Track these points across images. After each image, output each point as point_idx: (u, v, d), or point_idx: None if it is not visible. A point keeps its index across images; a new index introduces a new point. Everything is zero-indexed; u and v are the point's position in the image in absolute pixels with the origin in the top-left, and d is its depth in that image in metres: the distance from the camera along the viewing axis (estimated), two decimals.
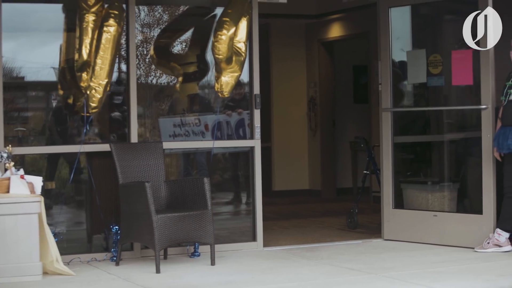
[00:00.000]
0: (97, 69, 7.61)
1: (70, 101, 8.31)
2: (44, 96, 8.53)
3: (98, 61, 7.60)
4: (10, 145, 7.40)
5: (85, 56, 7.63)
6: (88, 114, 7.85)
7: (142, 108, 8.40)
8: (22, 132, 8.19)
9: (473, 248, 8.16)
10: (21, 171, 7.31)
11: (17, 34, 8.19)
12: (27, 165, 7.86)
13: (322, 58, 13.72)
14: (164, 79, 8.72)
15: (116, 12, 7.71)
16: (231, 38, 7.98)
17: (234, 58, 8.03)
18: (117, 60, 7.92)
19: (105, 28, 7.62)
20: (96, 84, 7.62)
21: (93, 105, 7.69)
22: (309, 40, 13.92)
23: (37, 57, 8.17)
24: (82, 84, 7.67)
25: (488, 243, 8.03)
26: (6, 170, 7.30)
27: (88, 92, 7.63)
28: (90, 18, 7.67)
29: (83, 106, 7.78)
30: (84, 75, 7.64)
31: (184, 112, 8.82)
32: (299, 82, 13.97)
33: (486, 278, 6.80)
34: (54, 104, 8.45)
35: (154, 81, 8.67)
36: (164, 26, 8.73)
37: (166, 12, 8.68)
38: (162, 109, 8.78)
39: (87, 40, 7.65)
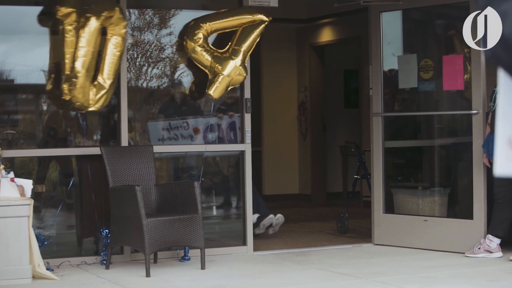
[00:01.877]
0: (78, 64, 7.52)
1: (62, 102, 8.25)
2: (34, 99, 8.48)
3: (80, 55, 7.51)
4: (0, 148, 7.37)
5: (66, 69, 7.52)
6: (81, 112, 7.82)
7: (132, 112, 8.37)
8: (12, 134, 8.15)
9: (464, 253, 8.16)
10: (11, 174, 7.28)
11: (7, 37, 8.15)
12: (17, 168, 7.83)
13: (312, 62, 13.72)
14: (154, 83, 8.69)
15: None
16: (204, 40, 8.00)
17: (211, 61, 8.02)
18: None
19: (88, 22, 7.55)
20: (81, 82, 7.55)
21: (78, 103, 7.58)
22: (300, 44, 13.92)
23: (28, 59, 8.13)
24: (64, 98, 7.56)
25: (479, 248, 8.03)
26: None
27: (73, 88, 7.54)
28: (67, 29, 7.53)
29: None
30: (65, 86, 7.51)
31: (174, 115, 8.79)
32: (290, 86, 13.97)
33: (477, 283, 6.80)
34: (44, 106, 8.40)
35: (144, 84, 8.64)
36: (153, 29, 8.70)
37: (157, 16, 8.65)
38: (152, 112, 8.75)
39: (68, 54, 7.53)
